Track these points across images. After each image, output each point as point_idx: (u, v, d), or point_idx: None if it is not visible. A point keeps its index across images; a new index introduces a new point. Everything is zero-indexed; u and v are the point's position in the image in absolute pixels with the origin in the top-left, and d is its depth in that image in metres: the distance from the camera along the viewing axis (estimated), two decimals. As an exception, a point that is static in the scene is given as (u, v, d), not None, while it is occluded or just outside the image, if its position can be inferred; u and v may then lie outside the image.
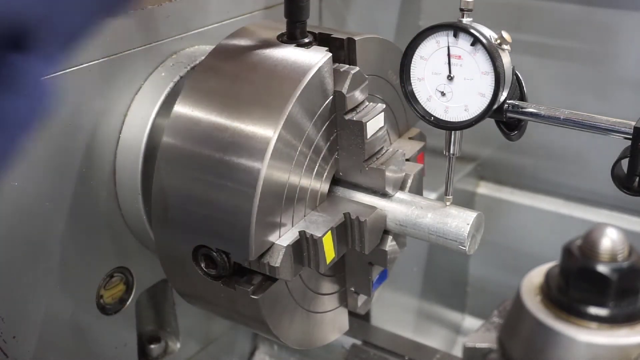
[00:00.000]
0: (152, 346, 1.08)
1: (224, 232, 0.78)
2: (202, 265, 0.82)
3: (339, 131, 0.85)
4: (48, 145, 0.85)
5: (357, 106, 0.84)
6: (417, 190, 0.93)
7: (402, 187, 0.90)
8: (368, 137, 0.84)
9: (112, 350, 1.00)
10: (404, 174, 0.90)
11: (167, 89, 0.92)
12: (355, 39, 0.85)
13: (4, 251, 0.84)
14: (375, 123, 0.85)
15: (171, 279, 0.89)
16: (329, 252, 0.83)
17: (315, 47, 0.83)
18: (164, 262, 0.87)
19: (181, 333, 1.10)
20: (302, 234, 0.81)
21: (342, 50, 0.85)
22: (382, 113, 0.86)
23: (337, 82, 0.82)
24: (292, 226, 0.82)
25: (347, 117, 0.83)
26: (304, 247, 0.82)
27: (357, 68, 0.83)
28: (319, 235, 0.81)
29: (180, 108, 0.82)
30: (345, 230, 0.85)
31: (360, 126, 0.83)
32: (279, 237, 0.81)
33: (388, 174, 0.86)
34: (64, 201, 0.88)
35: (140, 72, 0.93)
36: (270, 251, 0.79)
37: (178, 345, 1.11)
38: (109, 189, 0.93)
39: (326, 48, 0.83)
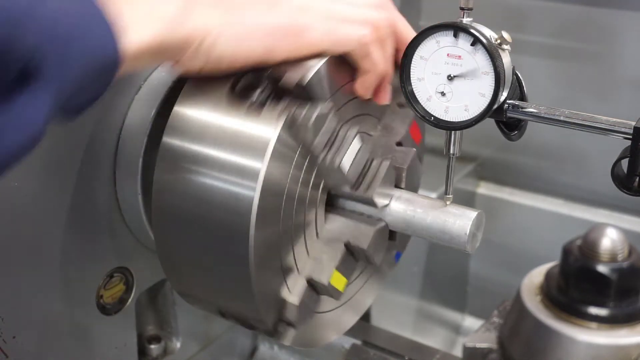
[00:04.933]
0: (152, 346, 1.08)
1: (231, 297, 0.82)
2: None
3: (319, 171, 0.83)
4: (48, 145, 0.85)
5: (330, 139, 0.81)
6: (415, 177, 0.92)
7: (398, 182, 0.90)
8: (346, 170, 0.82)
9: (112, 350, 0.99)
10: (393, 182, 0.89)
11: (167, 89, 0.92)
12: (304, 83, 0.80)
13: (4, 251, 0.84)
14: (349, 155, 0.82)
15: (171, 279, 0.89)
16: (339, 284, 0.85)
17: (269, 105, 0.79)
18: (164, 262, 0.87)
19: (181, 333, 1.10)
20: (309, 281, 0.83)
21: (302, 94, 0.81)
22: (356, 138, 0.83)
23: (299, 132, 0.78)
24: (298, 271, 0.83)
25: (321, 158, 0.81)
26: (316, 289, 0.84)
27: (316, 112, 0.78)
28: (326, 283, 0.82)
29: (181, 108, 0.82)
30: (352, 254, 0.86)
31: (337, 169, 0.81)
32: (287, 289, 0.81)
33: (377, 197, 0.85)
34: (64, 201, 0.88)
35: (140, 72, 0.93)
36: (283, 309, 0.81)
37: (178, 345, 1.10)
38: (109, 189, 0.93)
39: (284, 99, 0.79)
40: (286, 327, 0.84)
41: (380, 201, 0.86)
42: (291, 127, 0.76)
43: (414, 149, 0.91)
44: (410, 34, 0.82)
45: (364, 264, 0.91)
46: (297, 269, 0.83)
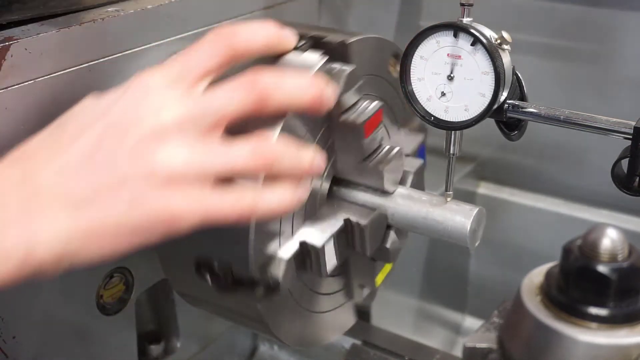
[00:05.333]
0: (152, 346, 1.08)
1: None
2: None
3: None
4: (48, 145, 0.85)
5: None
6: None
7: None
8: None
9: (112, 350, 0.99)
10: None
11: (167, 89, 0.92)
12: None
13: (4, 251, 0.83)
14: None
15: (171, 280, 0.89)
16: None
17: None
18: (164, 262, 0.87)
19: (181, 333, 1.10)
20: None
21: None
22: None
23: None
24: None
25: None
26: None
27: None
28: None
29: (180, 108, 0.82)
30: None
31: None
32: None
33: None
34: (64, 201, 0.88)
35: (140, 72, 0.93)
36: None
37: (178, 345, 1.10)
38: (109, 189, 0.93)
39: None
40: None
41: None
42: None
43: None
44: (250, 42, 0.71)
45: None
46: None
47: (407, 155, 0.93)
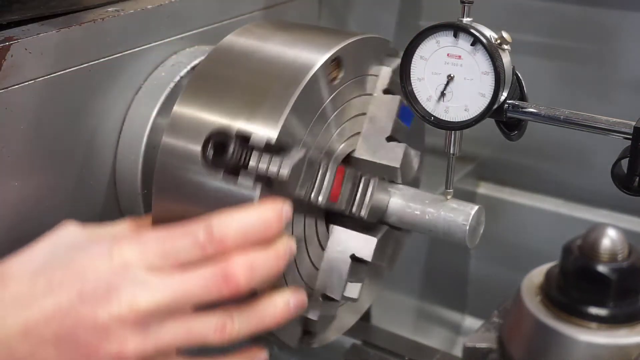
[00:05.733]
0: (152, 346, 1.07)
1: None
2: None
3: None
4: (48, 145, 0.85)
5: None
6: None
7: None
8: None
9: (112, 350, 0.99)
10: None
11: (167, 89, 0.92)
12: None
13: (4, 251, 0.84)
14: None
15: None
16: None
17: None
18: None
19: (181, 333, 1.10)
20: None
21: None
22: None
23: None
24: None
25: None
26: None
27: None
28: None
29: (181, 108, 0.82)
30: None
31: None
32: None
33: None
34: (64, 201, 0.88)
35: (140, 72, 0.93)
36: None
37: (178, 345, 1.10)
38: (109, 189, 0.93)
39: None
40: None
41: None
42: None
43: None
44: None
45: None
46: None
47: (391, 139, 0.90)
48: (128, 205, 0.93)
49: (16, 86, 0.80)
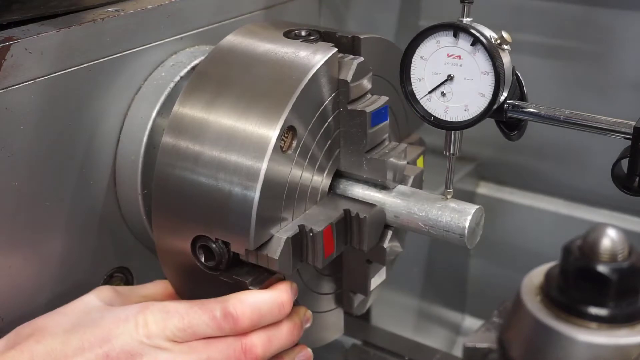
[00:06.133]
0: (152, 346, 1.08)
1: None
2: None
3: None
4: (48, 145, 0.85)
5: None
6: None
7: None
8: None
9: (112, 350, 1.00)
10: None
11: (167, 89, 0.92)
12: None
13: (4, 251, 0.84)
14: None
15: (170, 278, 0.89)
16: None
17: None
18: (164, 259, 0.87)
19: (181, 333, 1.10)
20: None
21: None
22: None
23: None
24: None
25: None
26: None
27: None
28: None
29: (181, 108, 0.82)
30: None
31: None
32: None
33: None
34: (64, 201, 0.88)
35: (140, 72, 0.93)
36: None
37: (178, 345, 1.10)
38: (109, 189, 0.93)
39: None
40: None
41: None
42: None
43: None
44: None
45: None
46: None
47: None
48: (128, 205, 0.93)
49: (16, 86, 0.80)
